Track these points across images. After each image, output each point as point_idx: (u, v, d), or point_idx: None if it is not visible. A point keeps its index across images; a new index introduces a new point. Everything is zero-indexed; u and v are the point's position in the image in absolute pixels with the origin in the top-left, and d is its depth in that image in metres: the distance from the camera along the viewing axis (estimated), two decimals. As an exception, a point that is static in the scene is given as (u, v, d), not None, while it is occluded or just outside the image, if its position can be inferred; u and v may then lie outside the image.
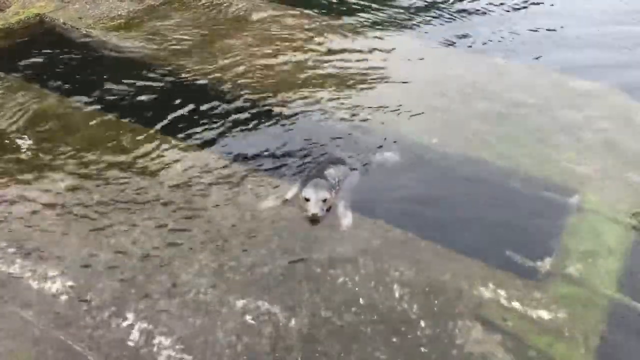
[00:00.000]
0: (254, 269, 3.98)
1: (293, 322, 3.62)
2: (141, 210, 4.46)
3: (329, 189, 4.45)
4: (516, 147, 5.24)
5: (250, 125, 5.51)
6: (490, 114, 5.71)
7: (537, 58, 6.79)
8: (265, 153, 5.13)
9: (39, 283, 3.87)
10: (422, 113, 5.71)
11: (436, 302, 3.77)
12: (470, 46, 7.02)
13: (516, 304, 3.75)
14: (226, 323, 3.63)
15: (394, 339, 3.53)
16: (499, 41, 7.20)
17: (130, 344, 3.51)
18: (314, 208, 4.31)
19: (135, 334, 3.56)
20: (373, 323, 3.62)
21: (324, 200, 4.38)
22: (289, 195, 4.57)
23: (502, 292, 3.84)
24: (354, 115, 5.65)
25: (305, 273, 3.95)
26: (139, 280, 3.90)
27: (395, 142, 5.26)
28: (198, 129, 5.44)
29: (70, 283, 3.87)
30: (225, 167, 4.94)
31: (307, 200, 4.35)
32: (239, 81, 6.13)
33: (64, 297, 3.78)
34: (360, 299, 3.77)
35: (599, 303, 3.79)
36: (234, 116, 5.65)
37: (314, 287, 3.85)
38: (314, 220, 4.33)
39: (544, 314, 3.69)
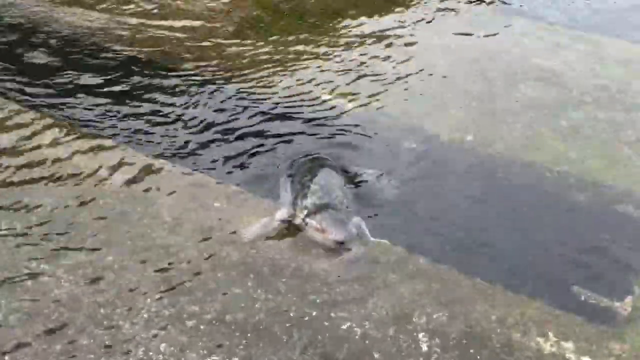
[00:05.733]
0: (225, 314, 3.19)
1: (280, 388, 2.82)
2: (71, 240, 3.55)
3: (350, 224, 3.74)
4: (581, 147, 4.57)
5: (229, 124, 4.68)
6: (544, 102, 5.06)
7: (609, 30, 6.21)
8: (247, 159, 4.34)
9: None
10: (454, 101, 5.04)
11: (478, 358, 3.09)
12: (523, 12, 6.45)
13: (587, 360, 3.11)
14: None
15: (424, 412, 2.77)
16: (563, 7, 6.67)
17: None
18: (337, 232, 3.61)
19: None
20: (393, 388, 2.87)
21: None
22: (278, 217, 3.81)
23: (567, 345, 3.20)
24: (367, 105, 4.93)
25: (296, 317, 3.17)
26: (66, 333, 3.03)
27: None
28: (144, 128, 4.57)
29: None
30: (188, 176, 4.11)
31: (324, 231, 3.67)
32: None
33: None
34: (374, 353, 3.04)
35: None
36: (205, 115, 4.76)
37: (308, 337, 3.10)
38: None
39: (625, 374, 3.00)
